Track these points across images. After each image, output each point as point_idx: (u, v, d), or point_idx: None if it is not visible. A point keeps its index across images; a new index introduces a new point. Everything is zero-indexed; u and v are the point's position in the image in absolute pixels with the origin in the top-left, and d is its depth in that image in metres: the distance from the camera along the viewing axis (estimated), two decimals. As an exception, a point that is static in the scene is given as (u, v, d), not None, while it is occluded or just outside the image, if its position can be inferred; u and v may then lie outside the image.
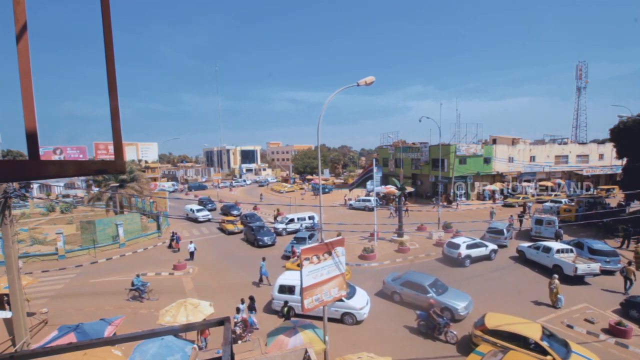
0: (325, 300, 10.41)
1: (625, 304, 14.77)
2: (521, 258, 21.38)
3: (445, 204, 38.74)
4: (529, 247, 21.02)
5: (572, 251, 19.28)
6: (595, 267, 17.86)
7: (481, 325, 12.06)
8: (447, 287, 15.71)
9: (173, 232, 27.31)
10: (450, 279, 18.83)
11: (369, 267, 21.24)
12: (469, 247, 21.03)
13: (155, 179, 64.61)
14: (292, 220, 30.81)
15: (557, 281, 15.64)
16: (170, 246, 26.51)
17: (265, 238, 26.27)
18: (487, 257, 21.65)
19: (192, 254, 23.10)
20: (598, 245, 20.01)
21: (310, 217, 31.42)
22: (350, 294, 14.85)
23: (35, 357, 2.08)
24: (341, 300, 13.93)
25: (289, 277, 15.95)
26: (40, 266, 22.70)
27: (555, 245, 19.77)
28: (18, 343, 11.13)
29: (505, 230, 24.35)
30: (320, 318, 14.29)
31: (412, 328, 13.98)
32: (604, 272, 18.58)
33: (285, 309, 14.47)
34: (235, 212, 37.15)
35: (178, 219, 36.10)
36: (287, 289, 15.44)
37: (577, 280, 17.75)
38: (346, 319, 14.56)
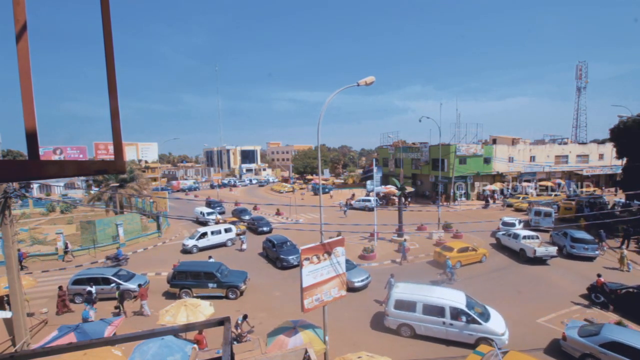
0: (325, 300, 10.41)
1: (590, 289, 16.18)
2: (498, 244, 24.65)
3: (484, 203, 40.02)
4: (503, 234, 24.29)
5: (537, 237, 22.40)
6: (553, 250, 21.02)
7: None
8: None
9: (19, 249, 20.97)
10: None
11: (369, 267, 21.20)
12: (522, 223, 26.99)
13: (155, 179, 64.62)
14: (204, 235, 25.40)
15: (626, 251, 20.21)
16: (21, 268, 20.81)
17: (291, 258, 21.25)
18: None
19: None
20: (579, 234, 22.65)
21: (227, 230, 26.77)
22: (486, 317, 12.67)
23: (35, 357, 2.08)
24: (477, 323, 12.26)
25: (406, 291, 13.22)
26: (40, 266, 22.69)
27: (522, 232, 22.91)
28: (18, 343, 11.14)
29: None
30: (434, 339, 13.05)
31: None
32: (585, 258, 21.41)
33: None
34: (246, 217, 34.20)
35: (178, 219, 36.04)
36: (406, 306, 12.93)
37: (538, 261, 20.77)
38: None
